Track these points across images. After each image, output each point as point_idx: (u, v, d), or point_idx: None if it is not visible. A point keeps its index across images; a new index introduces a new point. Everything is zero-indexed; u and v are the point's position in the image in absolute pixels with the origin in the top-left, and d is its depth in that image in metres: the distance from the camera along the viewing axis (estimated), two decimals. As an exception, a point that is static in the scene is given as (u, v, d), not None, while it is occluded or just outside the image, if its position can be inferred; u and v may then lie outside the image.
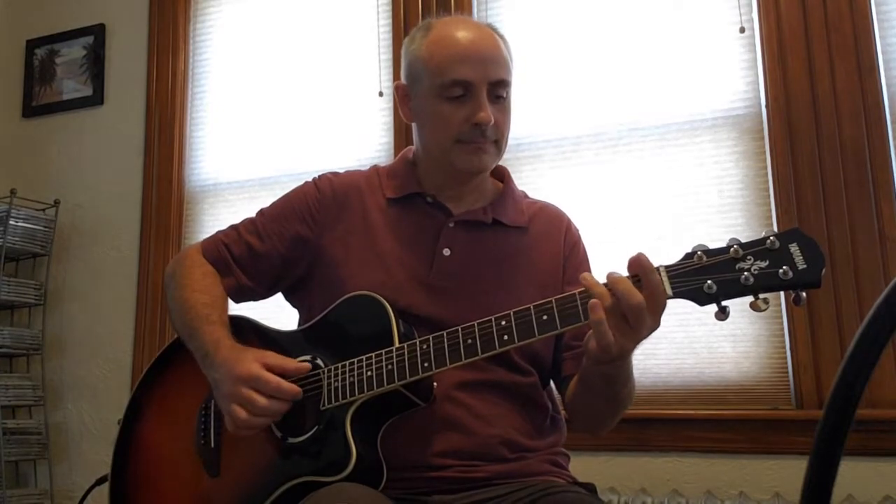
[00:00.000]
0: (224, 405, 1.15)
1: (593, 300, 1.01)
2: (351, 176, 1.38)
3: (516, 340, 1.07)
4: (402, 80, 1.34)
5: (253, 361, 1.14)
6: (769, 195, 2.04)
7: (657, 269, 1.02)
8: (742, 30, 2.12)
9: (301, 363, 1.17)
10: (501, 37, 1.31)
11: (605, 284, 1.02)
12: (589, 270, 1.36)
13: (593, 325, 1.01)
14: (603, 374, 1.12)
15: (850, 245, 1.92)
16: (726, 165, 2.10)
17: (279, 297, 1.40)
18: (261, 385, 1.12)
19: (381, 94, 2.51)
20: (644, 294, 1.00)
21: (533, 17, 2.38)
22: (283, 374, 1.14)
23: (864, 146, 1.95)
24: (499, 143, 1.27)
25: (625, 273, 1.04)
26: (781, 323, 1.98)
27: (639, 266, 1.01)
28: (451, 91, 1.23)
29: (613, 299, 1.00)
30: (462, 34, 1.26)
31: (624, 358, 1.05)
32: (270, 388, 1.12)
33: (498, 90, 1.25)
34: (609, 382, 1.14)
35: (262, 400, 1.11)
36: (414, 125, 1.35)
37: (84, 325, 2.79)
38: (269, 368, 1.14)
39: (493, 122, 1.23)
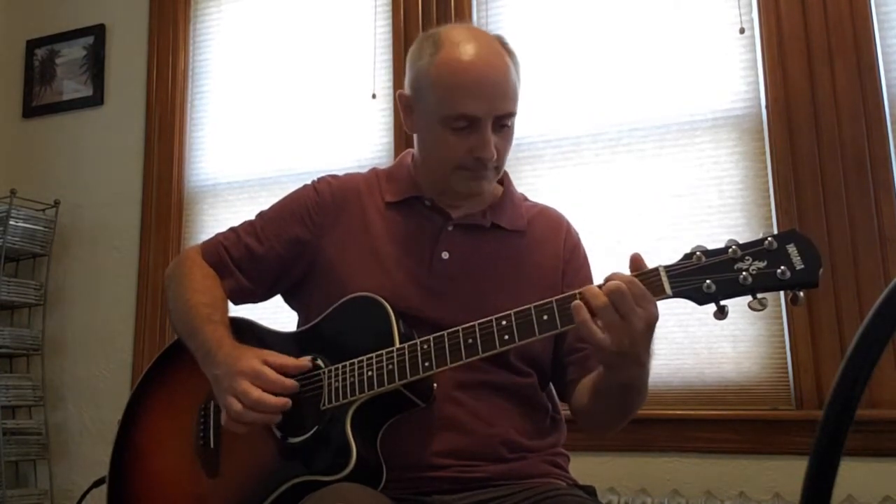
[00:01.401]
0: (222, 399, 1.15)
1: (576, 302, 1.02)
2: (350, 178, 1.38)
3: (517, 340, 1.08)
4: (406, 90, 1.31)
5: (254, 358, 1.15)
6: (769, 196, 2.04)
7: (657, 268, 1.03)
8: (742, 30, 2.12)
9: (301, 360, 1.17)
10: (511, 54, 1.27)
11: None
12: (589, 273, 1.36)
13: (578, 325, 1.02)
14: (620, 384, 1.12)
15: (850, 245, 1.92)
16: (726, 166, 2.10)
17: (278, 298, 1.40)
18: (260, 380, 1.12)
19: (374, 96, 2.51)
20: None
21: (533, 18, 2.38)
22: (282, 371, 1.15)
23: (864, 146, 1.95)
24: (499, 168, 1.28)
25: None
26: (781, 323, 1.98)
27: (636, 268, 1.03)
28: (455, 123, 1.21)
29: (600, 294, 1.01)
30: (471, 59, 1.21)
31: (633, 361, 1.04)
32: (269, 382, 1.12)
33: (503, 121, 1.24)
34: (625, 391, 1.14)
35: (255, 392, 1.11)
36: (415, 136, 1.34)
37: (84, 326, 2.79)
38: (269, 365, 1.14)
39: (495, 156, 1.23)
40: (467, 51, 1.22)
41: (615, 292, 1.00)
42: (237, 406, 1.11)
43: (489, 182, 1.28)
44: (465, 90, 1.20)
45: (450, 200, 1.32)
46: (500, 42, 1.27)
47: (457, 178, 1.26)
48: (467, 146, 1.22)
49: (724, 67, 2.14)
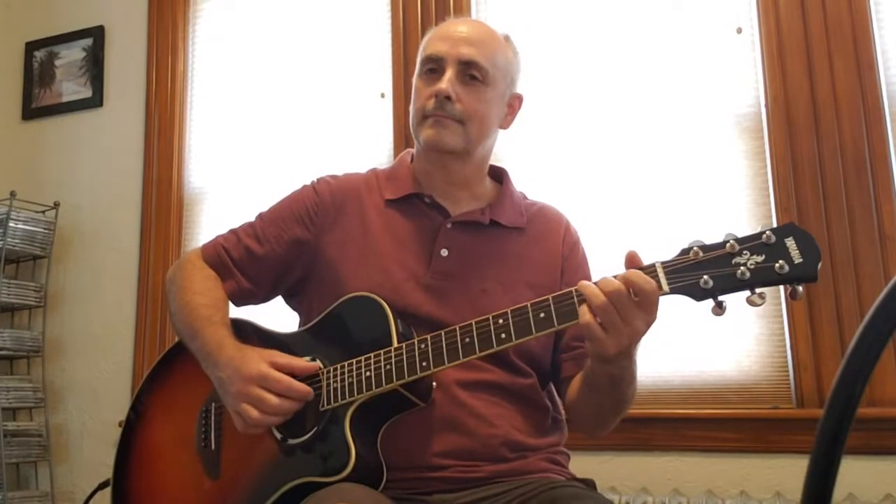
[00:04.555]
0: (232, 404, 1.15)
1: (582, 305, 1.01)
2: (349, 178, 1.39)
3: (514, 339, 1.07)
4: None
5: (260, 360, 1.15)
6: (769, 194, 2.04)
7: (653, 264, 1.02)
8: (739, 30, 2.12)
9: (308, 363, 1.17)
10: (507, 38, 1.33)
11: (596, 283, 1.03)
12: (588, 271, 1.36)
13: (581, 324, 1.01)
14: (609, 375, 1.11)
15: (849, 244, 1.92)
16: (726, 164, 2.10)
17: (279, 299, 1.40)
18: (271, 384, 1.12)
19: (382, 95, 2.52)
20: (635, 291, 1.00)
21: (533, 18, 2.38)
22: (290, 374, 1.15)
23: (863, 145, 1.95)
24: (465, 124, 1.26)
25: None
26: (782, 322, 1.98)
27: (628, 262, 1.02)
28: (425, 66, 1.28)
29: (601, 294, 1.00)
30: (456, 21, 1.33)
31: (624, 355, 1.05)
32: (281, 387, 1.12)
33: (470, 70, 1.26)
34: (615, 383, 1.13)
35: (273, 399, 1.11)
36: None
37: (84, 327, 2.79)
38: (277, 367, 1.14)
39: (451, 95, 1.24)
40: (459, 19, 1.36)
41: (615, 294, 0.99)
42: (255, 414, 1.11)
43: (451, 134, 1.26)
44: (434, 37, 1.31)
45: (445, 182, 1.32)
46: (504, 35, 1.35)
47: (422, 129, 1.28)
48: (432, 90, 1.26)
49: (724, 67, 2.14)
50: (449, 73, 1.25)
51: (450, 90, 1.23)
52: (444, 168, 1.31)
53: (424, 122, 1.27)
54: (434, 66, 1.27)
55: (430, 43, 1.30)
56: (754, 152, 2.08)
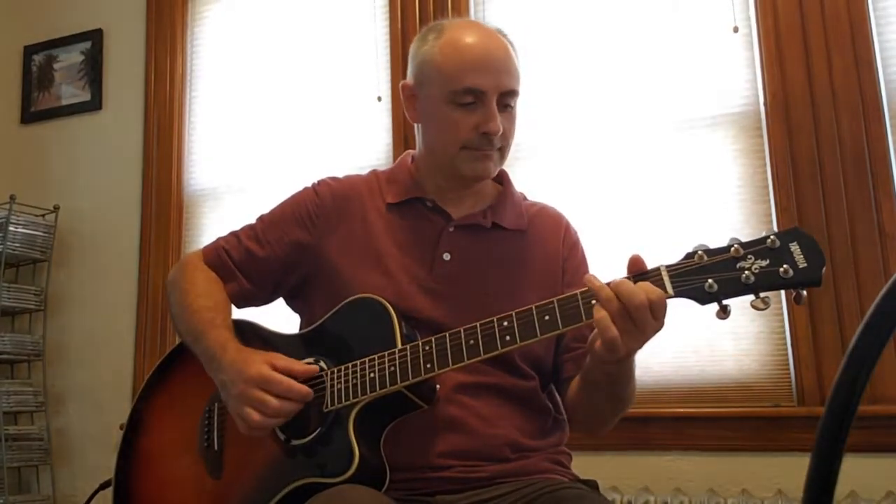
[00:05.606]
0: (235, 407, 1.15)
1: (602, 312, 1.01)
2: (350, 181, 1.38)
3: (518, 341, 1.07)
4: (409, 79, 1.33)
5: (262, 363, 1.15)
6: (768, 193, 2.04)
7: (658, 268, 1.03)
8: (735, 29, 2.12)
9: (308, 365, 1.17)
10: (511, 44, 1.30)
11: (609, 285, 1.03)
12: (587, 272, 1.36)
13: (598, 324, 1.01)
14: (608, 374, 1.12)
15: (849, 242, 1.93)
16: (725, 163, 2.10)
17: (281, 301, 1.40)
18: (272, 386, 1.12)
19: (379, 98, 2.52)
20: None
21: (531, 19, 2.38)
22: (290, 376, 1.15)
23: (862, 142, 1.96)
24: (503, 150, 1.29)
25: (622, 274, 1.05)
26: (782, 320, 1.98)
27: (632, 266, 1.02)
28: (462, 98, 1.23)
29: (619, 301, 1.00)
30: (476, 40, 1.26)
31: (629, 357, 1.05)
32: (281, 389, 1.12)
33: (507, 99, 1.25)
34: (613, 382, 1.14)
35: (274, 401, 1.11)
36: (418, 126, 1.34)
37: (85, 330, 2.79)
38: (277, 370, 1.14)
39: (501, 131, 1.24)
40: (470, 33, 1.28)
41: (640, 308, 0.99)
42: (256, 416, 1.12)
43: (494, 164, 1.28)
44: (471, 65, 1.23)
45: (453, 192, 1.32)
46: (500, 32, 1.31)
47: (462, 159, 1.26)
48: (473, 122, 1.23)
49: (723, 65, 2.15)
50: (494, 108, 1.23)
51: (500, 128, 1.23)
52: (468, 188, 1.32)
53: (465, 154, 1.25)
54: (473, 99, 1.23)
55: (464, 73, 1.22)
56: (753, 151, 2.08)
